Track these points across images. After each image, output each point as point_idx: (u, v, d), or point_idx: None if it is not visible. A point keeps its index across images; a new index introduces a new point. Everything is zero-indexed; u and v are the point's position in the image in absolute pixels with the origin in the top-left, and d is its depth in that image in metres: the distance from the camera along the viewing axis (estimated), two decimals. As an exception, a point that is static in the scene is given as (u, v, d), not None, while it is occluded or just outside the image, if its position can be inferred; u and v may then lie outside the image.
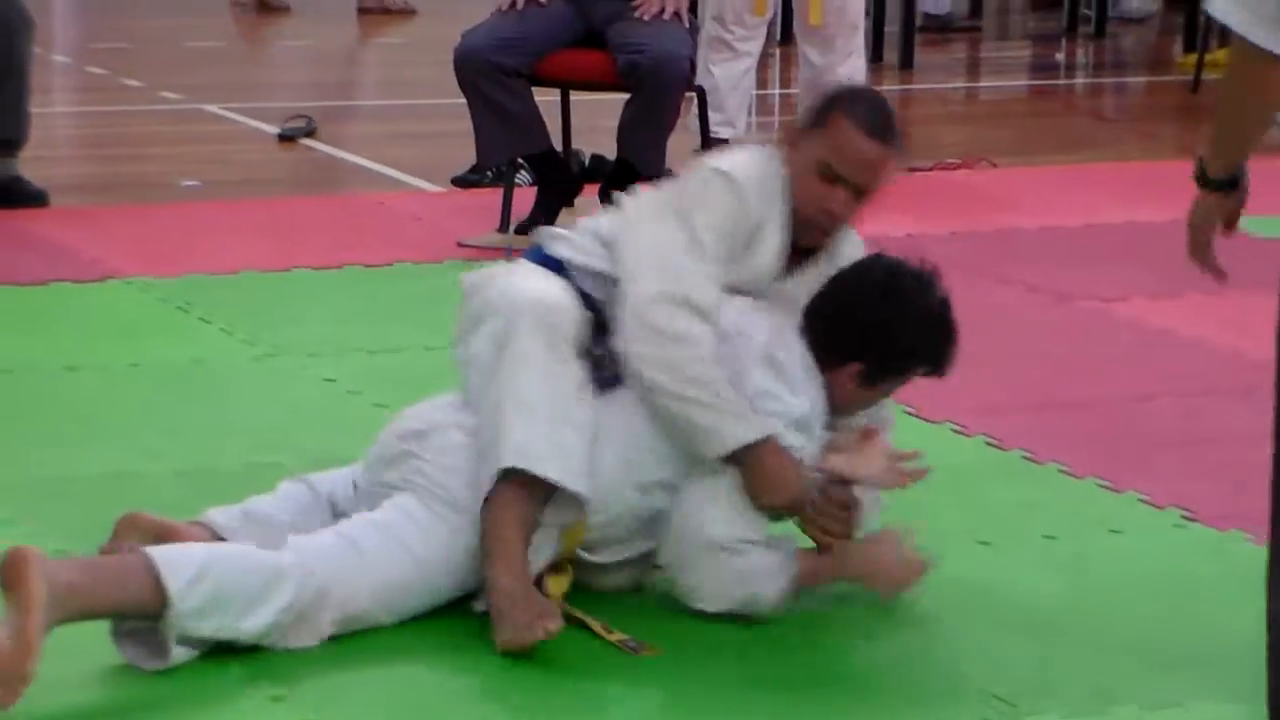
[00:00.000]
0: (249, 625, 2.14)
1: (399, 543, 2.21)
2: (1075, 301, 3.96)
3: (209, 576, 2.10)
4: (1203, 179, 1.91)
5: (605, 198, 4.50)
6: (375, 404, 3.13)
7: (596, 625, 2.26)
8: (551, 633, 2.14)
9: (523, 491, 2.17)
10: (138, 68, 7.04)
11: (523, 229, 4.41)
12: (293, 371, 3.59)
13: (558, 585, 2.28)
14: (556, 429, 2.21)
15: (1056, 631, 2.38)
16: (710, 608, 2.29)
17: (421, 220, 4.92)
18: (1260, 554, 2.48)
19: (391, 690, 2.29)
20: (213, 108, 6.42)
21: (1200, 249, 1.98)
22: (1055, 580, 2.56)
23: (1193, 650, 2.26)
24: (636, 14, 4.35)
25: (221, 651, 2.18)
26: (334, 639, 2.26)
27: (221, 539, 2.28)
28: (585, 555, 2.35)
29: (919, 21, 7.88)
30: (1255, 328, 3.72)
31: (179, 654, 2.12)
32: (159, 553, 2.11)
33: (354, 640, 2.31)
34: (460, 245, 4.48)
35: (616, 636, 2.21)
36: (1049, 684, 2.22)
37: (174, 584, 2.06)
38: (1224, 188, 1.92)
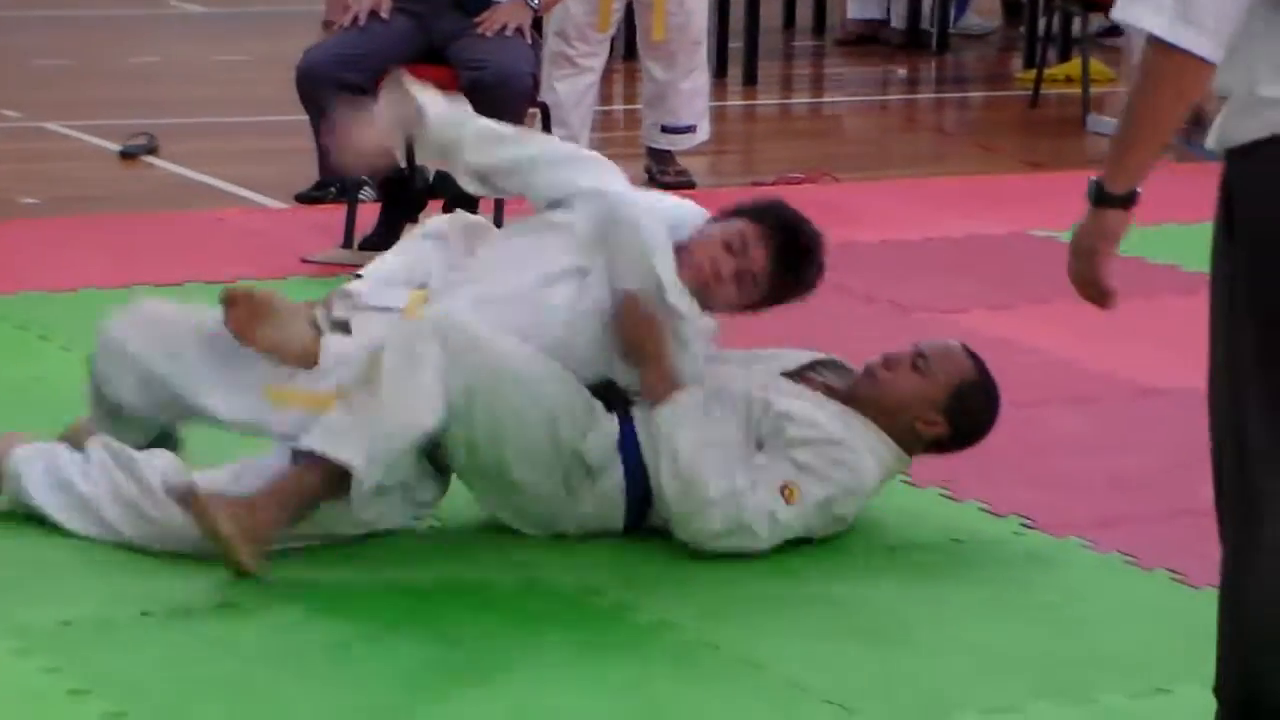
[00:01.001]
0: None
1: None
2: (913, 313, 4.06)
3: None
4: (1101, 196, 1.81)
5: (449, 212, 4.50)
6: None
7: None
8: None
9: None
10: (-23, 86, 6.86)
11: (367, 244, 4.47)
12: (134, 385, 3.54)
13: None
14: None
15: (897, 638, 2.42)
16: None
17: (265, 236, 4.92)
18: (1094, 559, 2.53)
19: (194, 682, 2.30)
20: (54, 125, 6.30)
21: (1093, 272, 1.86)
22: (898, 588, 2.61)
23: (1030, 654, 2.30)
24: (479, 30, 4.39)
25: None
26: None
27: None
28: None
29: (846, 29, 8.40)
30: (1089, 339, 3.81)
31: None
32: None
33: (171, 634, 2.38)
34: (304, 261, 4.48)
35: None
36: (888, 689, 2.26)
37: None
38: (1129, 203, 1.83)
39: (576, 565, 2.63)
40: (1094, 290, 1.87)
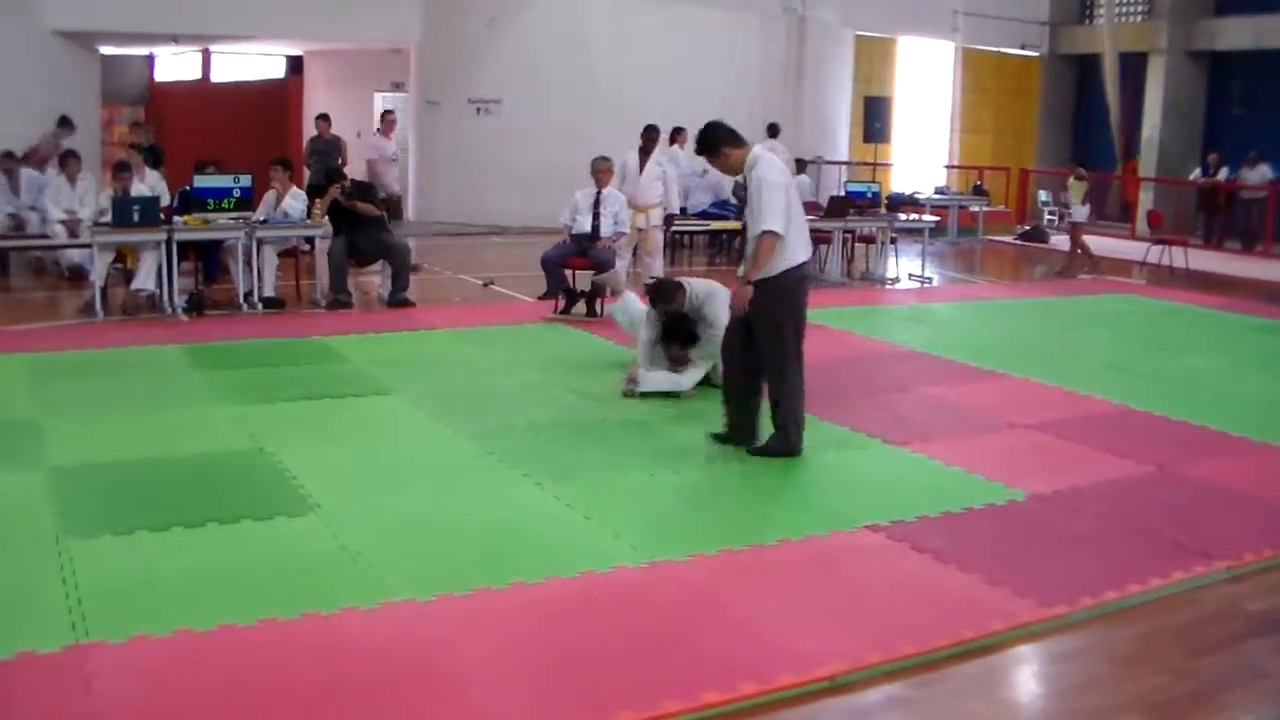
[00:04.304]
0: None
1: None
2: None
3: None
4: (747, 282, 6.26)
5: (589, 306, 10.96)
6: None
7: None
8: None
9: None
10: None
11: (559, 314, 10.97)
12: None
13: None
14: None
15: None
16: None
17: (528, 310, 11.72)
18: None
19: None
20: (446, 271, 13.19)
21: (743, 307, 6.26)
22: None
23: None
24: (597, 245, 11.13)
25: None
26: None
27: None
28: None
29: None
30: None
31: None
32: None
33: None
34: (543, 318, 10.91)
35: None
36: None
37: None
38: (750, 283, 6.25)
39: (639, 414, 8.30)
40: (743, 310, 6.33)
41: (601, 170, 11.25)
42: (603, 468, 6.33)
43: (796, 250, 6.39)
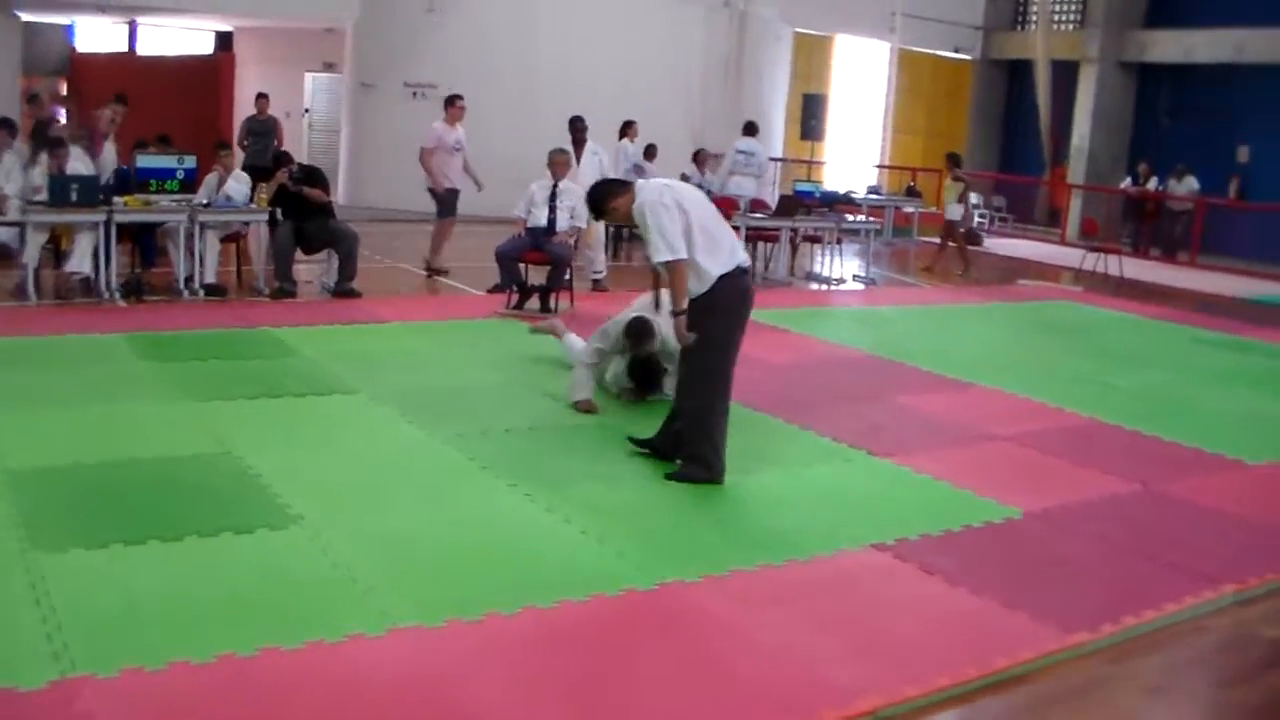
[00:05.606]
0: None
1: None
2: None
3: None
4: (678, 312, 5.79)
5: (543, 300, 10.89)
6: None
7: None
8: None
9: None
10: None
11: (511, 309, 10.88)
12: None
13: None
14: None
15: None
16: None
17: (479, 305, 11.41)
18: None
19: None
20: (377, 257, 12.90)
21: (686, 340, 5.84)
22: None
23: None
24: (554, 240, 10.91)
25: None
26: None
27: None
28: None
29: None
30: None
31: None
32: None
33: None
34: (494, 312, 10.76)
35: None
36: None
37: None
38: (683, 313, 5.83)
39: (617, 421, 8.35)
40: (688, 341, 5.87)
41: (558, 163, 11.02)
42: (591, 478, 6.06)
43: (718, 260, 5.94)
